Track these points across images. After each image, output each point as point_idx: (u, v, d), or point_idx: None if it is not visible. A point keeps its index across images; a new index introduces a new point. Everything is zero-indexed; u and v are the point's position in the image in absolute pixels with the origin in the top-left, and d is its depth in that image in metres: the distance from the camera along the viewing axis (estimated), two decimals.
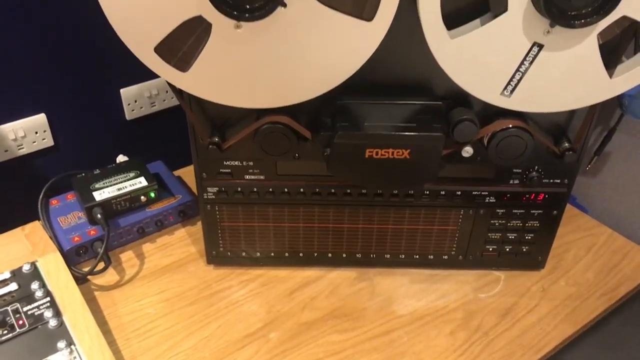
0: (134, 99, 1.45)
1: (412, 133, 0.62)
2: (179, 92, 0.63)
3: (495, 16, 0.56)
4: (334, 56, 0.59)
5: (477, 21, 0.58)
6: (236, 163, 0.71)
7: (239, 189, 0.73)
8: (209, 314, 0.75)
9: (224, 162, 0.71)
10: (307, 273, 0.80)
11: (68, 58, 1.15)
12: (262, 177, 0.72)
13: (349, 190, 0.73)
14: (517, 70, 0.59)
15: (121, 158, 0.94)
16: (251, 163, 0.71)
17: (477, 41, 0.57)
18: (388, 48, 0.59)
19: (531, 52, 0.58)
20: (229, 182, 0.72)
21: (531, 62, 0.58)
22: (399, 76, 0.64)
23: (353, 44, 0.58)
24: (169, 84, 0.61)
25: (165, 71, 0.59)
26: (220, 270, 0.81)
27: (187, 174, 0.95)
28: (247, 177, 0.72)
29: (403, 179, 0.66)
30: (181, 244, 0.85)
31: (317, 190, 0.73)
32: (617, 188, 0.90)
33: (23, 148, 1.36)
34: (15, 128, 1.32)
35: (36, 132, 1.37)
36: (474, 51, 0.58)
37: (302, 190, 0.73)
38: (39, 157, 1.41)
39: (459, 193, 0.73)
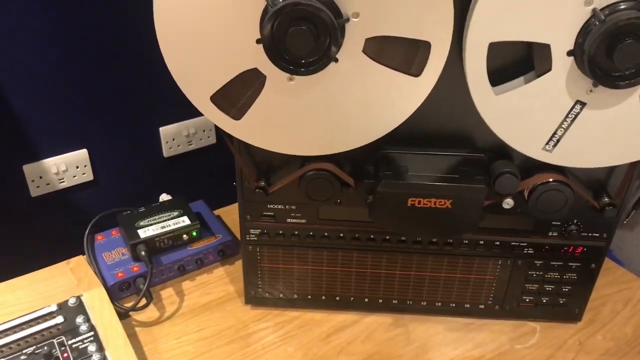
0: (172, 137, 1.49)
1: (455, 184, 0.63)
2: (229, 138, 0.65)
3: (539, 75, 0.58)
4: (381, 109, 0.61)
5: (522, 79, 0.60)
6: (279, 206, 0.73)
7: (281, 232, 0.75)
8: (246, 354, 0.76)
9: (268, 205, 0.73)
10: (343, 317, 0.81)
11: (111, 97, 1.20)
12: (303, 221, 0.74)
13: (388, 237, 0.74)
14: (560, 126, 0.60)
15: (164, 197, 0.97)
16: (294, 207, 0.73)
17: (520, 98, 0.59)
18: (433, 101, 0.61)
19: (574, 109, 0.59)
20: (271, 225, 0.74)
21: (573, 119, 0.60)
22: (443, 128, 0.66)
23: (400, 98, 0.60)
24: (220, 129, 0.64)
25: (220, 119, 0.62)
26: (258, 310, 0.82)
27: (226, 213, 0.97)
28: (289, 220, 0.74)
29: (444, 228, 0.67)
30: (220, 283, 0.86)
31: (357, 235, 0.75)
32: None
33: (64, 182, 1.41)
34: (58, 162, 1.37)
35: (77, 167, 1.42)
36: (518, 107, 0.60)
37: (342, 235, 0.75)
38: (79, 191, 1.46)
39: (498, 243, 0.74)
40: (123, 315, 0.79)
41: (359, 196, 0.68)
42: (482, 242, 0.74)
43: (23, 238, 1.38)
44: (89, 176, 1.41)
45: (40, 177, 1.33)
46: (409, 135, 0.65)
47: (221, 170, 1.66)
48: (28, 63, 1.03)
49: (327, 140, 0.64)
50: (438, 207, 0.64)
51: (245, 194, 0.71)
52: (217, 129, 1.52)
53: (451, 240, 0.74)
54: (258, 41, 0.55)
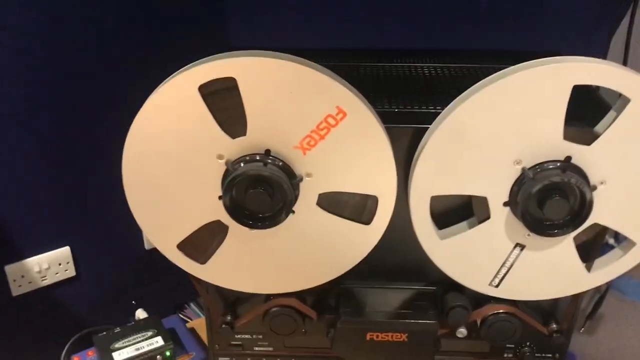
0: None
1: (409, 320, 0.67)
2: (197, 280, 0.69)
3: (480, 221, 0.63)
4: (337, 252, 0.65)
5: (465, 224, 0.65)
6: (247, 336, 0.76)
7: (249, 359, 0.78)
8: None
9: (236, 335, 0.76)
10: None
11: (94, 191, 1.21)
12: (270, 349, 0.77)
13: None
14: (502, 266, 0.65)
15: (140, 313, 1.00)
16: (260, 336, 0.76)
17: (464, 242, 0.64)
18: (387, 241, 0.65)
19: (514, 251, 0.64)
20: (239, 353, 0.77)
21: (515, 260, 0.65)
22: (397, 265, 0.70)
23: (354, 243, 0.65)
24: (188, 273, 0.68)
25: (186, 264, 0.66)
26: None
27: (200, 326, 1.00)
28: (256, 348, 0.77)
29: (402, 359, 0.70)
30: None
31: None
32: (612, 350, 0.93)
33: (46, 279, 1.41)
34: (41, 261, 1.37)
35: (59, 264, 1.43)
36: (463, 249, 0.65)
37: None
38: (61, 287, 1.46)
39: None
40: None
41: (322, 327, 0.72)
42: None
43: (2, 336, 1.38)
44: (71, 272, 1.42)
45: (22, 276, 1.34)
46: (367, 270, 0.69)
47: None
48: (12, 166, 1.06)
49: (290, 280, 0.68)
50: (395, 341, 0.68)
51: (213, 326, 0.75)
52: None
53: None
54: (220, 197, 0.60)
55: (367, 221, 0.64)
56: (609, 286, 0.87)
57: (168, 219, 0.64)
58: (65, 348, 0.91)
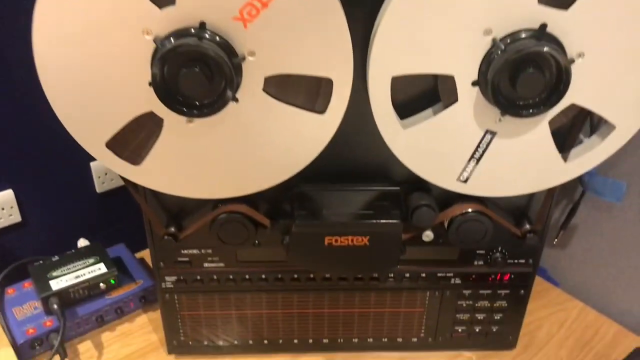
0: (105, 172, 1.43)
1: (370, 221, 0.61)
2: (132, 185, 0.62)
3: (447, 106, 0.56)
4: (289, 147, 0.58)
5: (430, 110, 0.58)
6: (194, 251, 0.69)
7: (198, 277, 0.71)
8: None
9: (182, 251, 0.69)
10: None
11: (35, 132, 1.13)
12: (221, 265, 0.70)
13: (312, 275, 0.71)
14: (472, 157, 0.59)
15: (82, 242, 0.92)
16: (210, 251, 0.69)
17: (429, 130, 0.58)
18: (343, 136, 0.59)
19: (484, 139, 0.58)
20: (187, 271, 0.70)
21: (485, 149, 0.58)
22: (356, 163, 0.63)
23: (307, 135, 0.58)
24: (122, 177, 0.60)
25: (118, 165, 0.58)
26: (183, 359, 0.78)
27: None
28: (206, 265, 0.70)
29: (364, 266, 0.65)
30: (142, 332, 0.81)
31: (280, 276, 0.71)
32: (586, 261, 0.89)
33: None
34: None
35: (2, 209, 1.34)
36: (428, 140, 0.58)
37: (264, 276, 0.71)
38: (6, 234, 1.38)
39: (424, 275, 0.72)
40: None
41: (277, 236, 0.65)
42: (407, 274, 0.72)
43: None
44: (16, 218, 1.34)
45: None
46: (324, 172, 0.63)
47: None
48: None
49: (237, 182, 0.61)
50: (356, 245, 0.62)
51: (156, 241, 0.67)
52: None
53: (377, 275, 0.72)
54: (150, 84, 0.52)
55: (321, 110, 0.56)
56: (583, 192, 0.83)
57: (93, 112, 0.55)
58: None
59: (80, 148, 1.36)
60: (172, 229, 0.65)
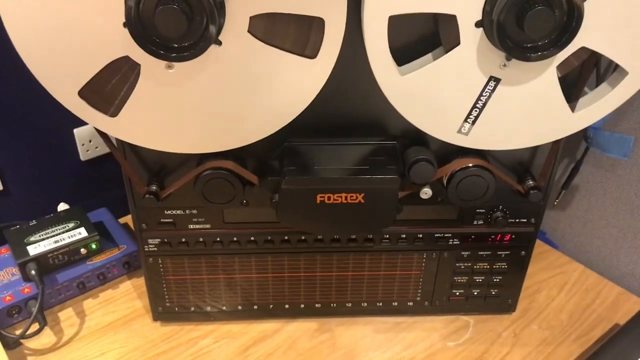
0: (89, 139, 1.38)
1: (365, 176, 0.57)
2: (108, 139, 0.57)
3: (448, 50, 0.52)
4: (278, 96, 0.54)
5: (429, 56, 0.54)
6: (178, 212, 0.65)
7: (183, 240, 0.67)
8: None
9: (165, 212, 0.65)
10: (263, 326, 0.74)
11: (17, 97, 1.09)
12: (208, 226, 0.66)
13: (303, 237, 0.68)
14: (474, 106, 0.55)
15: (62, 206, 0.88)
16: (195, 211, 0.65)
17: (429, 77, 0.53)
18: (336, 85, 0.55)
19: (488, 87, 0.54)
20: (171, 233, 0.66)
21: (488, 98, 0.54)
22: (350, 115, 0.59)
23: (297, 83, 0.53)
24: (97, 130, 0.56)
25: (92, 117, 0.54)
26: (168, 327, 0.74)
27: None
28: (191, 226, 0.66)
29: (358, 225, 0.61)
30: (126, 299, 0.78)
31: (269, 238, 0.68)
32: (587, 223, 0.86)
33: None
34: None
35: None
36: (427, 88, 0.54)
37: (252, 238, 0.68)
38: None
39: (421, 236, 0.68)
40: (12, 344, 0.70)
41: (266, 195, 0.61)
42: (404, 235, 0.68)
43: None
44: None
45: None
46: (315, 125, 0.59)
47: None
48: None
49: (221, 135, 0.56)
50: (350, 202, 0.58)
51: (137, 200, 0.63)
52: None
53: (371, 236, 0.68)
54: (124, 24, 0.47)
55: (311, 54, 0.52)
56: (587, 149, 0.79)
57: (64, 58, 0.50)
58: None
59: (63, 114, 1.31)
60: (154, 187, 0.61)
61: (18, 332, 0.71)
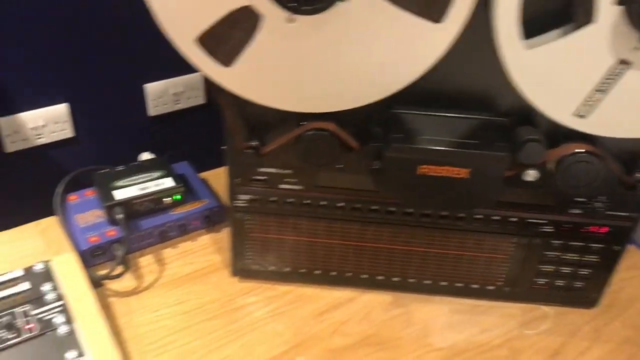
0: (159, 96, 1.40)
1: (475, 151, 0.56)
2: (218, 89, 0.57)
3: (580, 27, 0.50)
4: (394, 60, 0.53)
5: (558, 31, 0.52)
6: (273, 170, 0.65)
7: (274, 198, 0.67)
8: (231, 331, 0.69)
9: (260, 169, 0.65)
10: (338, 294, 0.74)
11: (94, 49, 1.11)
12: (299, 187, 0.66)
13: (392, 208, 0.67)
14: (598, 89, 0.53)
15: (146, 156, 0.89)
16: (289, 171, 0.65)
17: (556, 54, 0.51)
18: (454, 54, 0.53)
19: (616, 70, 0.51)
20: (263, 190, 0.66)
21: (614, 81, 0.52)
22: (462, 87, 0.57)
23: (417, 48, 0.52)
24: (206, 80, 0.55)
25: (206, 65, 0.53)
26: (245, 283, 0.75)
27: (213, 177, 0.89)
28: (283, 186, 0.66)
29: (459, 201, 0.59)
30: (204, 252, 0.79)
31: (358, 205, 0.67)
32: None
33: (42, 138, 1.32)
34: (35, 117, 1.28)
35: (56, 123, 1.33)
36: (551, 65, 0.52)
37: (341, 204, 0.67)
38: (57, 148, 1.37)
39: (514, 220, 0.66)
40: (96, 284, 0.72)
41: (363, 161, 0.61)
42: (497, 217, 0.66)
43: None
44: (69, 133, 1.33)
45: (16, 132, 1.25)
46: (424, 94, 0.57)
47: (209, 133, 1.58)
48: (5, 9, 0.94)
49: (331, 96, 0.56)
50: (453, 177, 0.57)
51: (235, 154, 0.63)
52: (207, 89, 1.44)
53: (464, 215, 0.67)
54: None
55: (437, 18, 0.50)
56: None
57: (188, 3, 0.50)
58: (59, 187, 0.81)
59: (136, 69, 1.33)
60: (255, 143, 0.61)
61: (101, 272, 0.73)
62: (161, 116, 1.49)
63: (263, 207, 0.68)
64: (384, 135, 0.58)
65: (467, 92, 0.58)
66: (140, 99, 1.41)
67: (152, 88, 1.39)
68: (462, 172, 0.56)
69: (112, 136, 1.41)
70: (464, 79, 0.57)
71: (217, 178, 0.88)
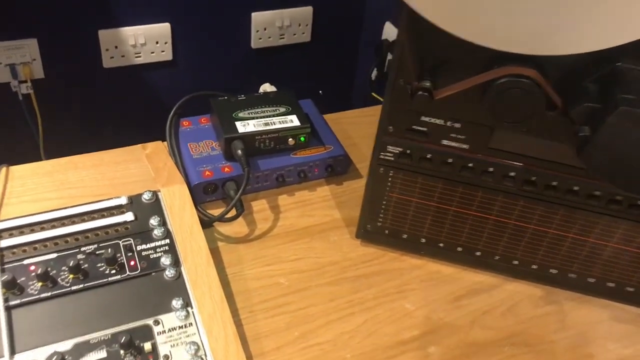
0: (264, 27, 1.31)
1: None
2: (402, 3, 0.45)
3: None
4: None
5: None
6: (438, 121, 0.53)
7: (429, 156, 0.55)
8: (354, 302, 0.59)
9: (422, 117, 0.53)
10: (479, 277, 0.63)
11: None
12: (465, 147, 0.54)
13: (576, 188, 0.54)
14: None
15: (267, 87, 0.79)
16: (458, 125, 0.53)
17: None
18: None
19: None
20: (419, 145, 0.55)
21: None
22: None
23: None
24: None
25: None
26: (369, 248, 0.64)
27: (333, 121, 0.78)
28: (445, 142, 0.54)
29: None
30: (323, 205, 0.69)
31: (533, 179, 0.55)
32: None
33: (140, 57, 1.25)
34: (137, 33, 1.21)
35: (157, 42, 1.26)
36: None
37: (511, 174, 0.55)
38: (154, 70, 1.31)
39: None
40: (206, 224, 0.63)
41: (563, 125, 0.48)
42: None
43: (92, 110, 1.25)
44: (167, 55, 1.26)
45: (116, 47, 1.19)
46: None
47: (313, 73, 1.47)
48: None
49: (546, 32, 0.42)
50: None
51: (399, 95, 0.51)
52: (313, 25, 1.33)
53: None
54: None
55: None
56: None
57: None
58: (173, 110, 0.72)
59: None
60: (427, 84, 0.49)
61: (211, 211, 0.64)
62: (264, 49, 1.40)
63: (413, 165, 0.56)
64: (604, 95, 0.45)
65: None
66: (244, 28, 1.32)
67: (258, 17, 1.30)
68: None
69: (211, 64, 1.33)
70: None
71: (337, 123, 0.77)
